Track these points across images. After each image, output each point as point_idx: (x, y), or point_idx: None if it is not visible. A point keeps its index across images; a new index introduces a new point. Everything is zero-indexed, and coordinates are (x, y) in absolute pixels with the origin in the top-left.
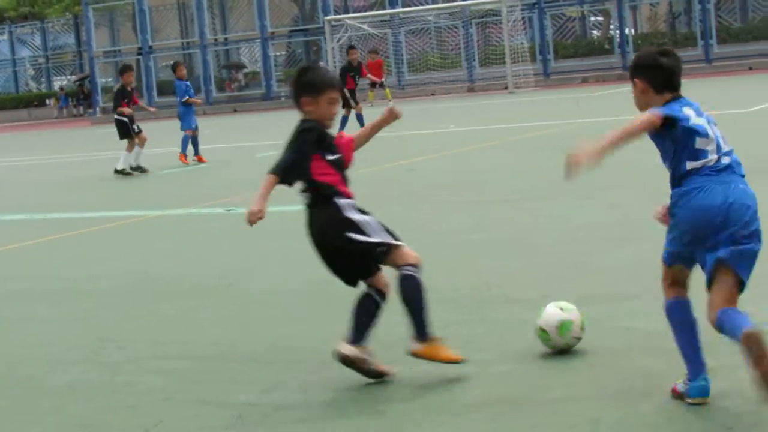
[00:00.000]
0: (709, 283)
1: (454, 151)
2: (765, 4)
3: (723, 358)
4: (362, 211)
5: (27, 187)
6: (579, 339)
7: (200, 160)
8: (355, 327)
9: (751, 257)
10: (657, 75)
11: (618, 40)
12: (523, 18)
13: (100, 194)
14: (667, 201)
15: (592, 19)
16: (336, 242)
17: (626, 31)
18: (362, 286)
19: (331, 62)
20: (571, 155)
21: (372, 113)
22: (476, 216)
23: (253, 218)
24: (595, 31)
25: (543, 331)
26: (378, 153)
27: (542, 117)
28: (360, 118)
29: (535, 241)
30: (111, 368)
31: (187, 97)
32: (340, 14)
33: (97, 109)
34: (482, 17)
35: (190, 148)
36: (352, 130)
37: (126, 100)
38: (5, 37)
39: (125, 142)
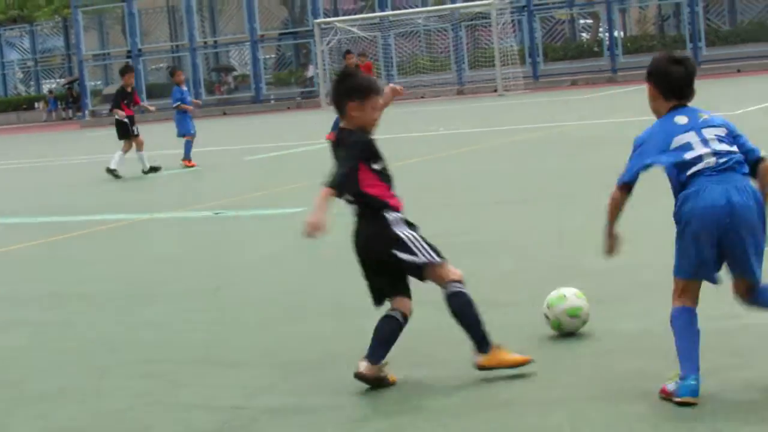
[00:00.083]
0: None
1: (443, 154)
2: (753, 7)
3: (711, 360)
4: (409, 224)
5: (15, 190)
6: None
7: (189, 164)
8: (376, 346)
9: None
10: (666, 83)
11: (607, 42)
12: (512, 21)
13: (88, 198)
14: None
15: (582, 21)
16: (380, 257)
17: (615, 33)
18: (385, 306)
19: (321, 65)
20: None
21: None
22: (465, 218)
23: (313, 230)
24: (584, 34)
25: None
26: None
27: (531, 120)
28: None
29: (524, 243)
30: (99, 372)
31: (179, 103)
32: (329, 17)
33: (86, 112)
34: (472, 20)
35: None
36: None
37: (126, 101)
38: None
39: (121, 142)
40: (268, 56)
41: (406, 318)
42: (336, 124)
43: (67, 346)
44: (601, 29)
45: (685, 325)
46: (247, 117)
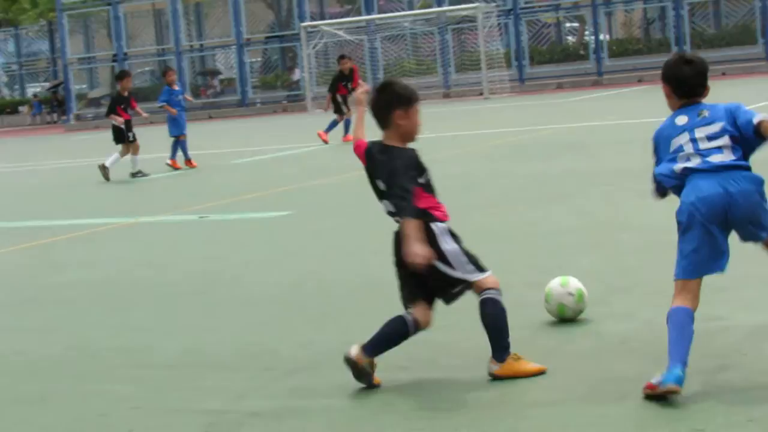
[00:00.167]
0: None
1: (427, 158)
2: (738, 11)
3: (693, 362)
4: (453, 235)
5: None
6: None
7: (174, 166)
8: (376, 341)
9: None
10: (676, 82)
11: (593, 46)
12: (498, 24)
13: (72, 202)
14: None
15: (568, 25)
16: (424, 269)
17: (601, 37)
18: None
19: (307, 69)
20: None
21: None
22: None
23: (425, 261)
24: (570, 37)
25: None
26: (347, 160)
27: (517, 123)
28: (347, 124)
29: (507, 246)
30: (81, 377)
31: (164, 103)
32: (316, 21)
33: (71, 116)
34: (458, 23)
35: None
36: (337, 135)
37: (122, 106)
38: None
39: (118, 146)
40: (254, 60)
41: (418, 327)
42: (333, 124)
43: (49, 351)
44: (586, 33)
45: (680, 322)
46: (233, 120)
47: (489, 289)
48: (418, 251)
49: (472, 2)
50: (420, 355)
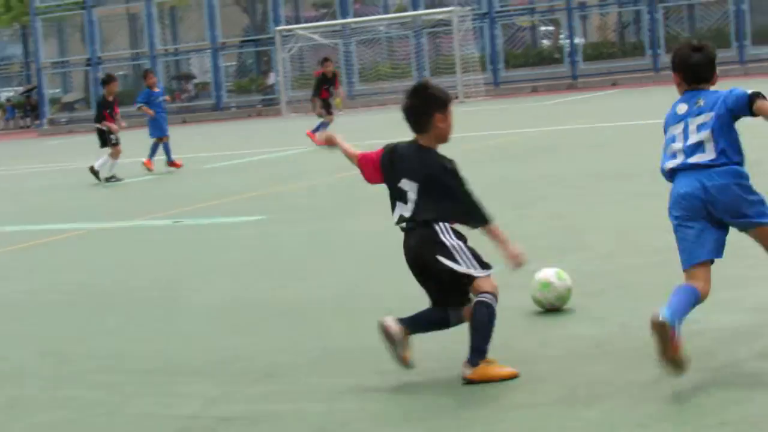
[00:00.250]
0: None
1: None
2: (712, 15)
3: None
4: (458, 234)
5: None
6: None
7: (148, 166)
8: (415, 317)
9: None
10: (688, 70)
11: (568, 49)
12: (473, 28)
13: (45, 207)
14: None
15: (543, 28)
16: (427, 262)
17: (576, 40)
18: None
19: (282, 73)
20: None
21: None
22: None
23: (525, 260)
24: (545, 41)
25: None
26: (321, 164)
27: (491, 126)
28: (325, 126)
29: (480, 249)
30: (53, 383)
31: (141, 105)
32: (291, 24)
33: (44, 120)
34: (433, 27)
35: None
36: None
37: (109, 111)
38: None
39: (107, 149)
40: (229, 64)
41: (460, 321)
42: (321, 125)
43: (19, 357)
44: (561, 36)
45: (683, 289)
46: (208, 125)
47: (486, 292)
48: (517, 251)
49: (447, 6)
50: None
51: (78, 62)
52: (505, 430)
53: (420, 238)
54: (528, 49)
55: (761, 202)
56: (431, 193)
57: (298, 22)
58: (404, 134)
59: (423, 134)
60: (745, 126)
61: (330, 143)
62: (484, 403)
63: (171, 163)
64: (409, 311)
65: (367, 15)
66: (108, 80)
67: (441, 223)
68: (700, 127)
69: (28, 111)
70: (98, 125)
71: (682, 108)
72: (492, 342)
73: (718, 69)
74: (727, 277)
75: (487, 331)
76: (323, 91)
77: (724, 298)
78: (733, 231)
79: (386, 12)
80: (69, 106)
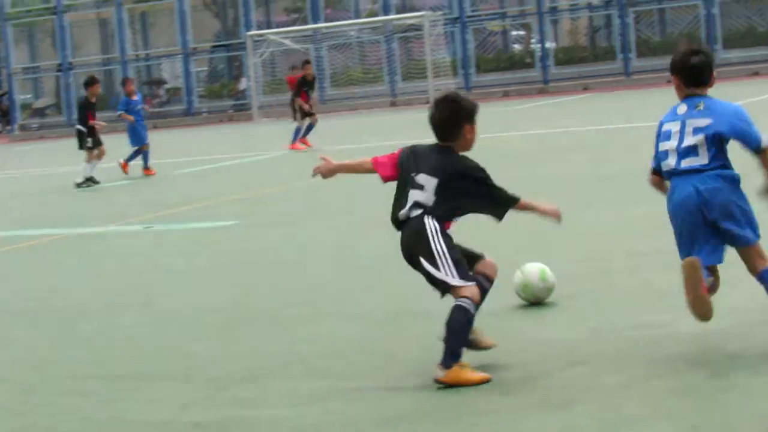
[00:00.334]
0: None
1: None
2: (683, 19)
3: (637, 368)
4: (447, 239)
5: None
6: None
7: (124, 169)
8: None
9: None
10: (687, 73)
11: (539, 54)
12: (445, 32)
13: (15, 213)
14: None
15: (514, 33)
16: (411, 258)
17: (547, 45)
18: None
19: (253, 78)
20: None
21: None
22: (394, 233)
23: (560, 213)
24: (516, 45)
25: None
26: (293, 169)
27: None
28: (298, 131)
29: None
30: (26, 389)
31: (122, 112)
32: (262, 29)
33: (15, 126)
34: (404, 32)
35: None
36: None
37: (92, 112)
38: None
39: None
40: (200, 69)
41: (490, 279)
42: (298, 132)
43: None
44: (533, 41)
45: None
46: (179, 130)
47: (466, 297)
48: (554, 208)
49: (419, 11)
50: (365, 364)
51: (49, 68)
52: None
53: (411, 232)
54: (499, 54)
55: (749, 212)
56: (450, 190)
57: (269, 27)
58: (375, 138)
59: (449, 142)
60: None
61: (329, 173)
62: (456, 407)
63: (146, 170)
64: (380, 317)
65: (338, 20)
66: (91, 82)
67: (434, 224)
68: (696, 130)
69: None
70: (79, 126)
71: (682, 109)
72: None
73: None
74: None
75: (462, 335)
76: (303, 93)
77: None
78: None
79: (357, 17)
80: (40, 112)
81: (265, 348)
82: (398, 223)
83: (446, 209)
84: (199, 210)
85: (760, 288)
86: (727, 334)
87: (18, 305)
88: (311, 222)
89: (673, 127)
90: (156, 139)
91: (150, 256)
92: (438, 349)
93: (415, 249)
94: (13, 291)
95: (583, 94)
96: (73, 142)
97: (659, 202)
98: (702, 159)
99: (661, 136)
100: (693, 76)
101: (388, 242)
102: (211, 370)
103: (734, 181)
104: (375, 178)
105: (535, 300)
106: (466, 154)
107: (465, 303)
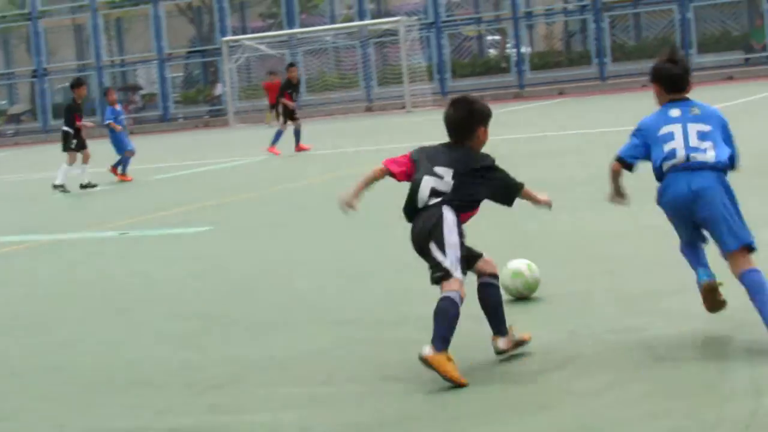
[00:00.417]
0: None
1: (349, 171)
2: (658, 23)
3: (613, 373)
4: (460, 232)
5: None
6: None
7: (114, 173)
8: (489, 317)
9: (732, 224)
10: (665, 80)
11: (514, 58)
12: (420, 37)
13: None
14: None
15: (489, 38)
16: (422, 243)
17: (522, 49)
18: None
19: (229, 83)
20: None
21: (272, 133)
22: (368, 237)
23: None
24: (492, 50)
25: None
26: (268, 175)
27: (437, 136)
28: (280, 135)
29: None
30: (1, 396)
31: (110, 121)
32: (237, 35)
33: None
34: (380, 37)
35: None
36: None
37: (78, 114)
38: None
39: (79, 156)
40: (175, 75)
41: (494, 275)
42: (279, 135)
43: None
44: (508, 45)
45: (690, 250)
46: (155, 136)
47: (455, 291)
48: (547, 198)
49: (394, 16)
50: (342, 370)
51: (24, 74)
52: None
53: (427, 219)
54: (475, 59)
55: (738, 215)
56: (466, 178)
57: (244, 32)
58: (350, 143)
59: (462, 142)
60: None
61: (353, 198)
62: (431, 412)
63: (122, 175)
64: (357, 322)
65: (313, 25)
66: (77, 84)
67: (452, 217)
68: (701, 135)
69: None
70: (65, 128)
71: (676, 112)
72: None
73: None
74: (669, 285)
75: (450, 322)
76: (287, 95)
77: (668, 306)
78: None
79: (333, 22)
80: (15, 118)
81: (241, 354)
82: (411, 213)
83: (463, 195)
84: (175, 216)
85: (738, 290)
86: (704, 337)
87: None
88: (287, 228)
89: (673, 128)
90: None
91: (125, 262)
92: (416, 354)
93: (429, 235)
94: None
95: (558, 98)
96: (49, 147)
97: (637, 207)
98: (711, 156)
99: (661, 138)
100: (674, 83)
101: (366, 248)
102: (187, 376)
103: (725, 181)
104: (349, 184)
105: (524, 290)
106: None
107: (455, 296)
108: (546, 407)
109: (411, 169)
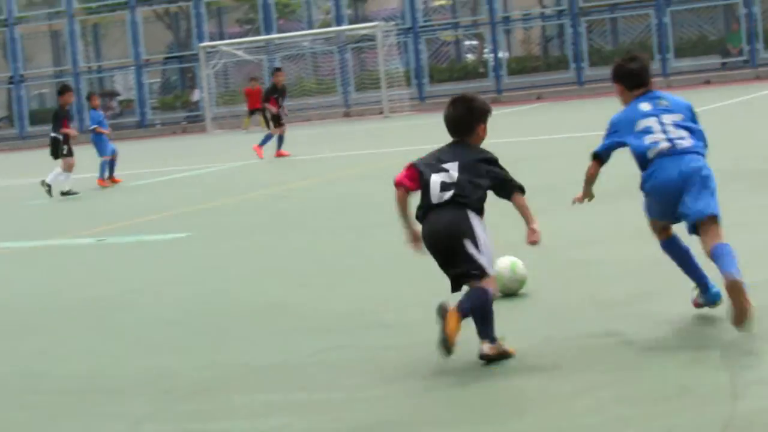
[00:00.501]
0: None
1: (325, 177)
2: (635, 28)
3: (590, 377)
4: (485, 231)
5: None
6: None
7: (114, 181)
8: (480, 324)
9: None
10: (626, 79)
11: (492, 63)
12: (398, 43)
13: None
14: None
15: (467, 43)
16: (452, 241)
17: (500, 54)
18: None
19: (206, 89)
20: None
21: (250, 139)
22: (350, 241)
23: (539, 240)
24: (469, 55)
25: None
26: (246, 181)
27: (416, 141)
28: (268, 138)
29: (408, 265)
30: None
31: (96, 125)
32: (215, 41)
33: None
34: (357, 42)
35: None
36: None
37: (66, 120)
38: None
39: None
40: (153, 81)
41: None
42: (268, 138)
43: None
44: (485, 50)
45: (675, 250)
46: (133, 142)
47: (492, 288)
48: (540, 232)
49: (371, 21)
50: (321, 376)
51: (0, 80)
52: None
53: (451, 217)
54: (452, 64)
55: (713, 195)
56: (471, 169)
57: (222, 38)
58: (328, 149)
59: (465, 137)
60: None
61: (415, 236)
62: (410, 419)
63: (102, 180)
64: (333, 328)
65: (291, 31)
66: (63, 90)
67: (477, 217)
68: (676, 124)
69: None
70: (54, 134)
71: (646, 106)
72: (415, 357)
73: None
74: (648, 290)
75: (491, 314)
76: (272, 100)
77: (647, 310)
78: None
79: (310, 27)
80: None
81: (219, 360)
82: (425, 211)
83: (469, 189)
84: (153, 222)
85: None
86: (680, 340)
87: None
88: (265, 233)
89: (649, 122)
90: None
91: (103, 269)
92: (393, 360)
93: (462, 234)
94: None
95: (536, 103)
96: (26, 154)
97: (617, 211)
98: (690, 142)
99: (640, 132)
100: (634, 78)
101: (344, 253)
102: (165, 383)
103: (707, 166)
104: (327, 189)
105: (505, 291)
106: None
107: (482, 287)
108: (521, 412)
109: (417, 178)
